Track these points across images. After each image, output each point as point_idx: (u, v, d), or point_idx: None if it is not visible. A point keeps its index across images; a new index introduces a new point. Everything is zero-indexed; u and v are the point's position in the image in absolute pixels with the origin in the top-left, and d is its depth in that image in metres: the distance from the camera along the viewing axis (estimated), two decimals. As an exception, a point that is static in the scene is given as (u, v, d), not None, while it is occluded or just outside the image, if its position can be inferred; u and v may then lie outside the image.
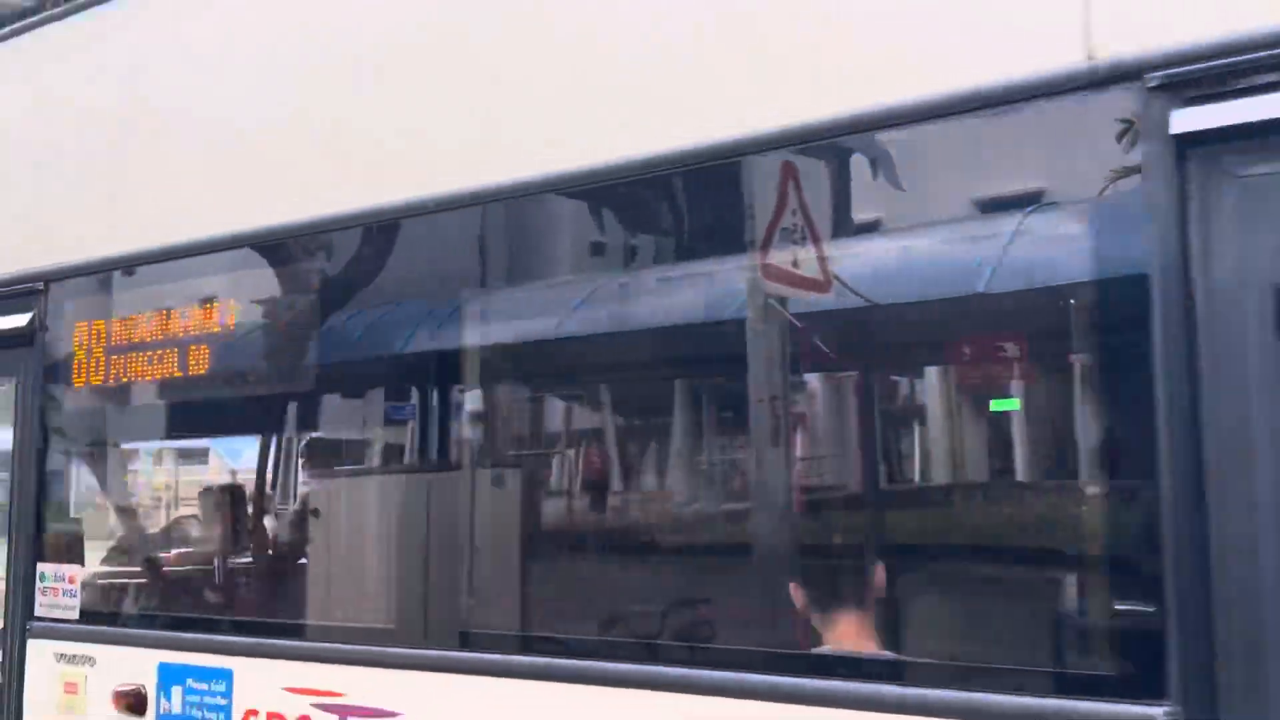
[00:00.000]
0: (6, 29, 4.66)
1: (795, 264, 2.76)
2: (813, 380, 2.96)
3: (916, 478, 2.90)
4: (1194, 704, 2.13)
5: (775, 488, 2.89)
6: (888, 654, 2.59)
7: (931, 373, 2.86)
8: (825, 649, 2.64)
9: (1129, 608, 2.35)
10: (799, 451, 2.89)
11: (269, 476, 4.11)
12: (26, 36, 4.57)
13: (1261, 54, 2.19)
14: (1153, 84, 2.27)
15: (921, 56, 2.57)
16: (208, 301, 3.79)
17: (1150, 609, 2.20)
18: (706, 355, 3.10)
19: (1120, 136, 2.32)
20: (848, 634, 2.64)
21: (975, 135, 2.53)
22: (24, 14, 4.82)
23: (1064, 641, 2.46)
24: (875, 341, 2.91)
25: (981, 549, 2.65)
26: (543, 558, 3.25)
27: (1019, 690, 2.31)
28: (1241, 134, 2.20)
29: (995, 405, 2.69)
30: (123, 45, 4.20)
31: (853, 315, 2.81)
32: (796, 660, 2.65)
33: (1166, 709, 2.14)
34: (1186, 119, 2.24)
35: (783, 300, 2.80)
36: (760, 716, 2.55)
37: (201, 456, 5.26)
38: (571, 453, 3.32)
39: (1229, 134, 2.22)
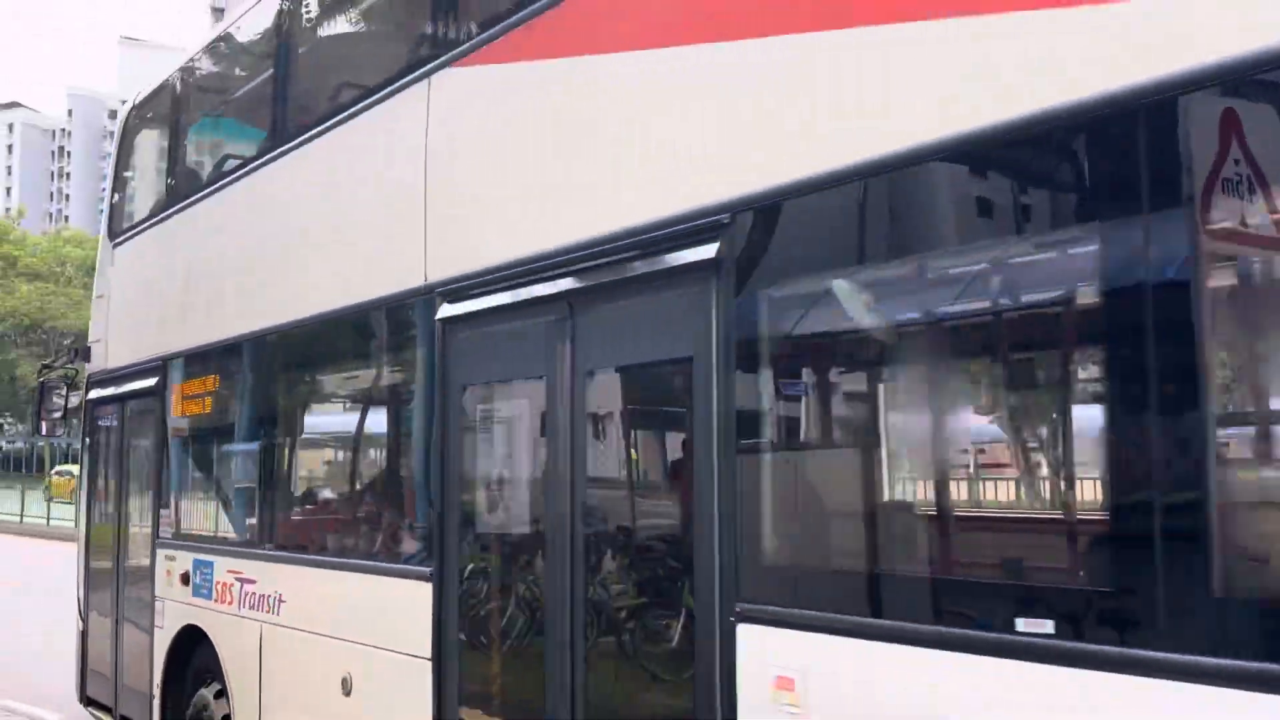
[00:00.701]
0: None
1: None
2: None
3: None
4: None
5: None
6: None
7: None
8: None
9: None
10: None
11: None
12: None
13: (467, 283, 5.03)
14: (438, 292, 5.16)
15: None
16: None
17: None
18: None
19: (431, 315, 5.21)
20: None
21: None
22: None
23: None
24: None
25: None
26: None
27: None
28: (459, 314, 5.08)
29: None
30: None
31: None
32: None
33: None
34: (444, 309, 5.13)
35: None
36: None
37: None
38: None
39: (454, 313, 5.09)
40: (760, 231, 3.76)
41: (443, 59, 5.31)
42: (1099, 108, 2.85)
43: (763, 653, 3.54)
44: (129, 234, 8.92)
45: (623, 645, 4.43)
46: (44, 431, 9.86)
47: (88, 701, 8.95)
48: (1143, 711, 2.66)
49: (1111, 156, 2.91)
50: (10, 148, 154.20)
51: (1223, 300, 2.79)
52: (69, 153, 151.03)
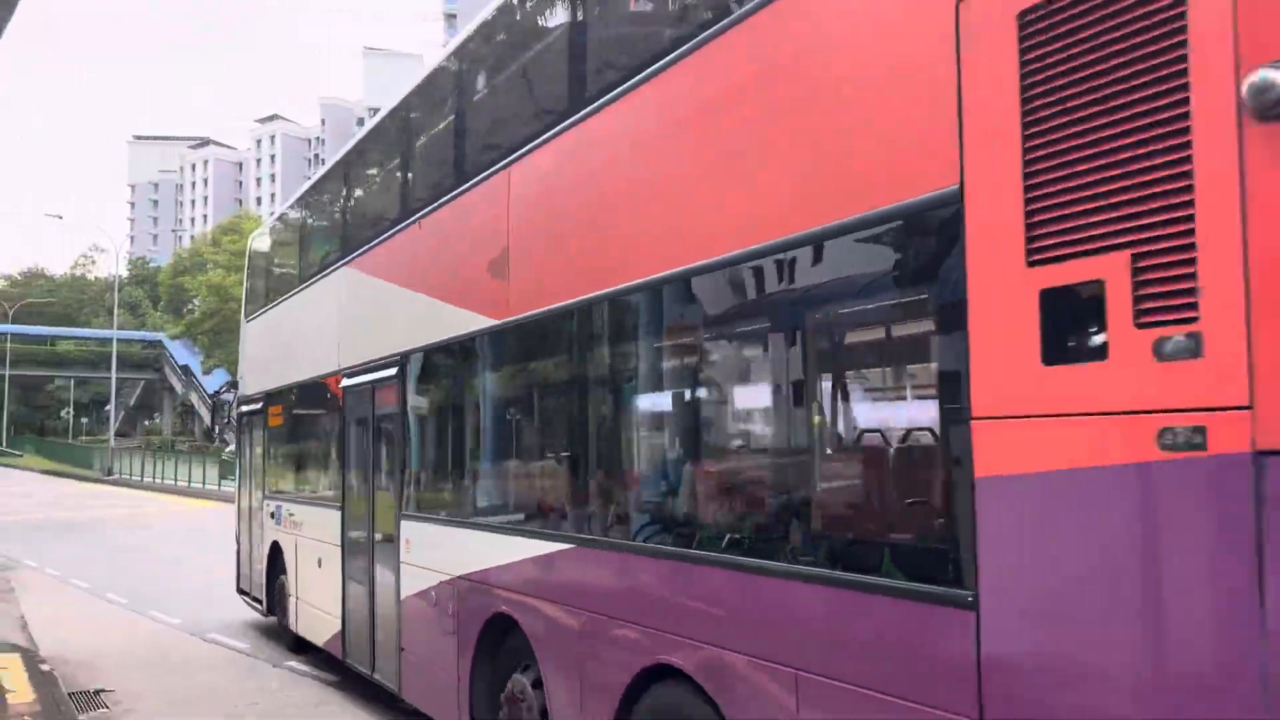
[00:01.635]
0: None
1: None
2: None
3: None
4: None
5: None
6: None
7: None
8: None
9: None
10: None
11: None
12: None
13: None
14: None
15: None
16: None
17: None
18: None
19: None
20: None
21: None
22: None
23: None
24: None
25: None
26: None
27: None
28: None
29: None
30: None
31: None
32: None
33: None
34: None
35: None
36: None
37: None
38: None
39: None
40: (415, 364, 9.25)
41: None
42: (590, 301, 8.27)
43: (406, 530, 9.05)
44: (250, 318, 15.03)
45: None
46: (216, 429, 16.28)
47: (240, 591, 15.11)
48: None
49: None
50: (273, 158, 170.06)
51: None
52: (322, 159, 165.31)
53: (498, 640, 7.31)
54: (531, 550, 6.73)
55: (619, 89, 5.98)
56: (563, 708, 6.28)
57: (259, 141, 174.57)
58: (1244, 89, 2.97)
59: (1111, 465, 3.22)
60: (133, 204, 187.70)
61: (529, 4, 7.72)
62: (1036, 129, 3.50)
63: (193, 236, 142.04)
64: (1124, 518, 3.19)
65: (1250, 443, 2.92)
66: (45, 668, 11.31)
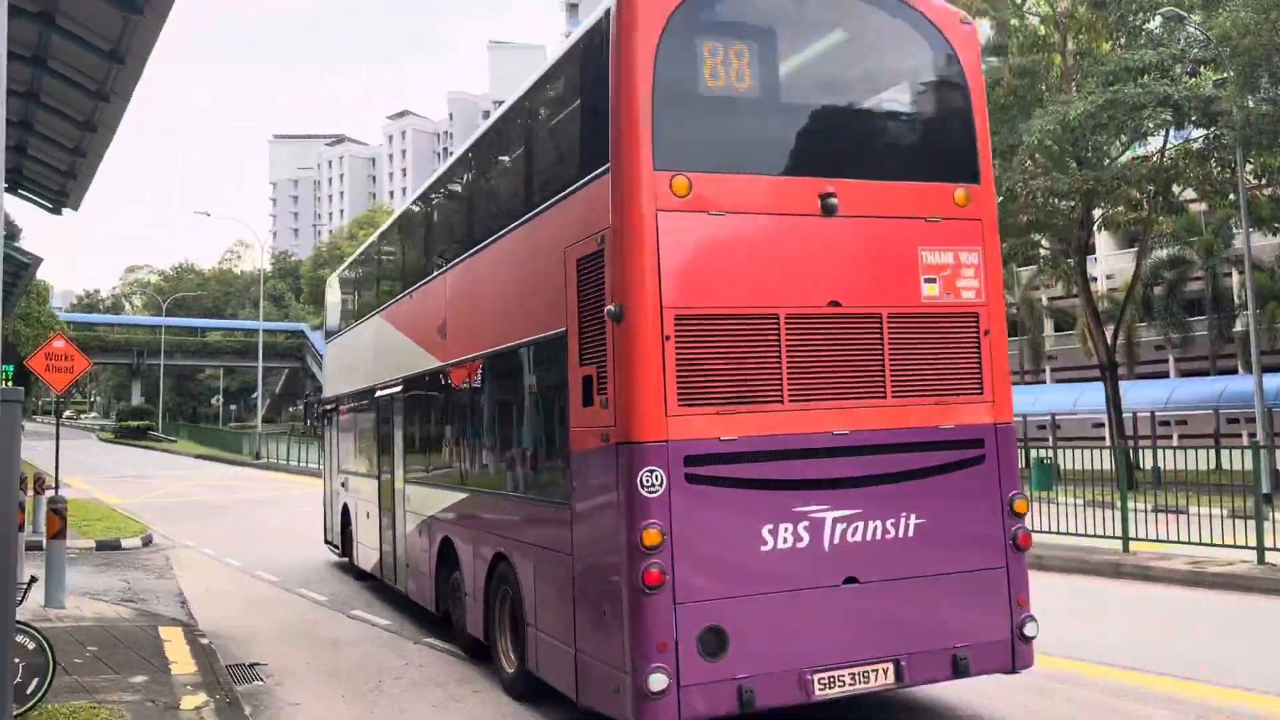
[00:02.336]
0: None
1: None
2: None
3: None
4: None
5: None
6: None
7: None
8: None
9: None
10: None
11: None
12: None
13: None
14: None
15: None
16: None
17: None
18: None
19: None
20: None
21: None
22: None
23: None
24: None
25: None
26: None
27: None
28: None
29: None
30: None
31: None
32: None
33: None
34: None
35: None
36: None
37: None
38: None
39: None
40: (408, 384, 14.19)
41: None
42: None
43: (406, 491, 14.00)
44: (329, 338, 20.25)
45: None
46: (309, 423, 21.52)
47: (326, 541, 20.32)
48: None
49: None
50: (404, 152, 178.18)
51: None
52: (450, 151, 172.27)
53: (447, 553, 12.15)
54: (454, 497, 11.57)
55: (471, 250, 10.95)
56: (469, 584, 11.11)
57: (390, 137, 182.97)
58: (610, 308, 7.60)
59: (596, 447, 7.75)
60: (274, 200, 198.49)
61: (441, 195, 12.91)
62: (584, 315, 8.12)
63: (330, 231, 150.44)
64: (602, 467, 7.63)
65: (617, 438, 7.47)
66: (204, 641, 11.96)
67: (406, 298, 13.97)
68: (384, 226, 16.23)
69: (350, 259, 19.10)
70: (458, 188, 12.35)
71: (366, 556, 16.60)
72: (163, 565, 19.35)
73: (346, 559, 18.51)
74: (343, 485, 18.53)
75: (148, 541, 22.58)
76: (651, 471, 7.18)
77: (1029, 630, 8.13)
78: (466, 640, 11.41)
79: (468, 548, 11.03)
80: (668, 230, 7.37)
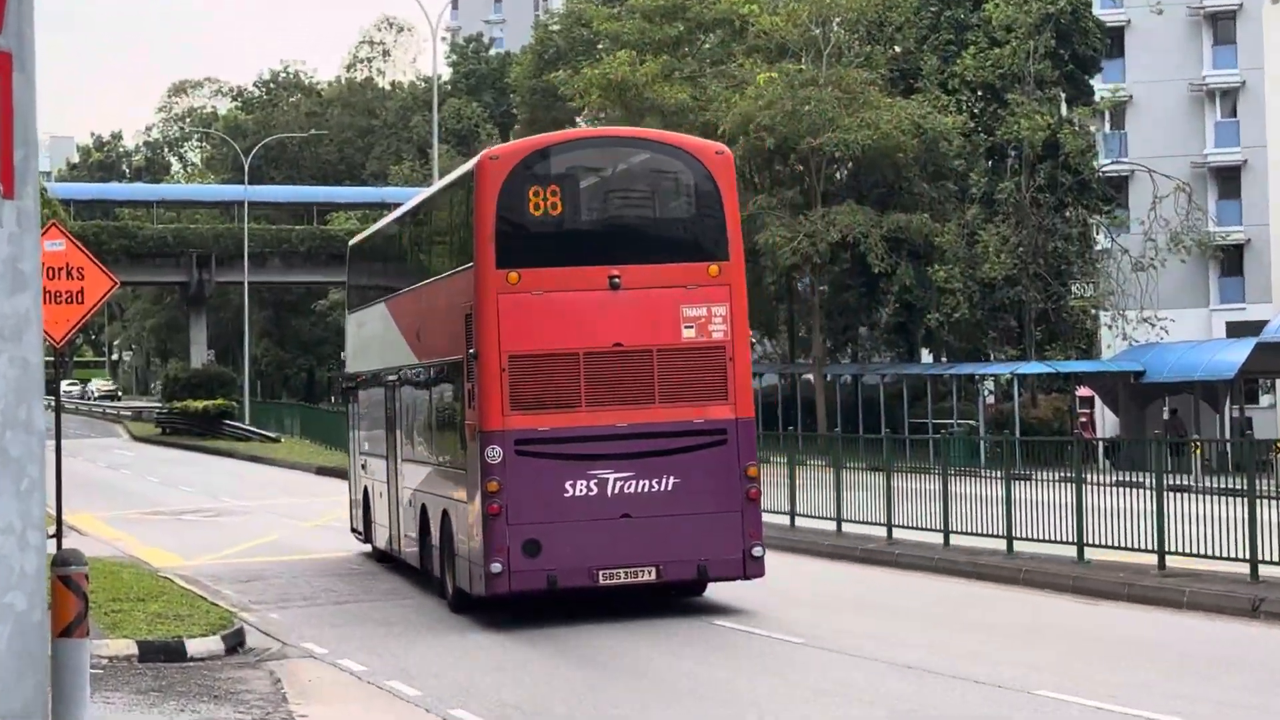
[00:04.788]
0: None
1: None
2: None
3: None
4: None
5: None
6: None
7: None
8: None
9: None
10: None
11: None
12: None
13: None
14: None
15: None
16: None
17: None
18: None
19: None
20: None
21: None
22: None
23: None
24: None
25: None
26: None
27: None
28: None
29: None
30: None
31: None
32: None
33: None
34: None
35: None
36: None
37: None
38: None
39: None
40: (401, 373, 19.03)
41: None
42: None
43: (402, 468, 18.85)
44: (350, 311, 25.04)
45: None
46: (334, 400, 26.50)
47: (353, 530, 24.83)
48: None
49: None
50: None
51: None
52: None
53: (425, 518, 16.86)
54: (423, 471, 16.38)
55: (420, 281, 15.83)
56: (433, 536, 15.80)
57: None
58: (471, 351, 12.38)
59: (472, 434, 12.58)
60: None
61: (400, 233, 17.79)
62: (468, 351, 12.86)
63: None
64: (474, 447, 12.49)
65: (478, 429, 12.33)
66: None
67: (403, 295, 18.21)
68: (383, 222, 21.01)
69: (373, 228, 23.27)
70: (422, 230, 17.22)
71: (379, 534, 19.40)
72: (268, 694, 10.44)
73: (370, 545, 20.31)
74: (363, 468, 23.26)
75: (237, 644, 12.38)
76: (494, 449, 12.01)
77: (756, 552, 12.71)
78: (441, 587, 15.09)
79: (432, 511, 15.79)
80: (505, 305, 12.26)
